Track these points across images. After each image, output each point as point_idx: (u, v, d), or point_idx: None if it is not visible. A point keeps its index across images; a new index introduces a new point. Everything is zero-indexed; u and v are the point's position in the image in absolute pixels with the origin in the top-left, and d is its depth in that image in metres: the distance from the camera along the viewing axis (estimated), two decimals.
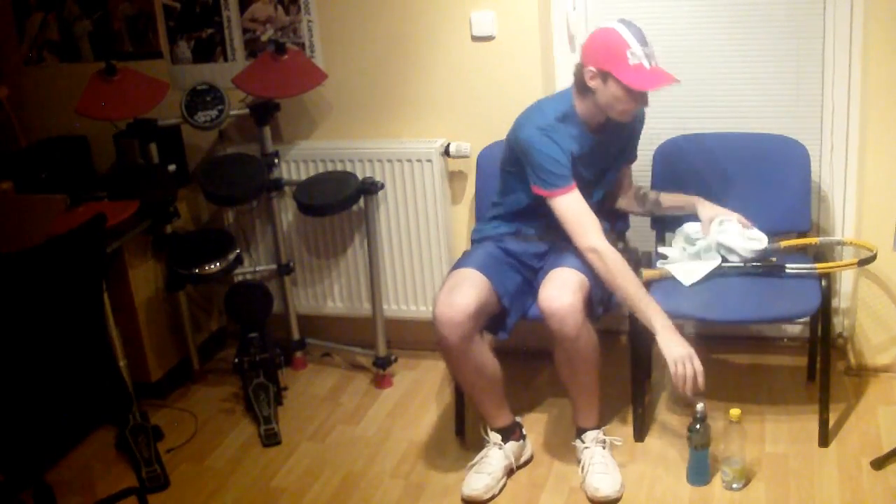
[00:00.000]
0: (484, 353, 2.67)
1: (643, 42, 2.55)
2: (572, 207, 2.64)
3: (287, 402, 3.33)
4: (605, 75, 2.56)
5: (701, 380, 2.52)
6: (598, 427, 2.77)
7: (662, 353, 2.55)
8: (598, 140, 2.74)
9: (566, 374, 2.69)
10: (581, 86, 2.65)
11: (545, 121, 2.67)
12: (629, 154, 2.94)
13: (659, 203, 2.98)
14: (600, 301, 2.69)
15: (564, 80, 3.17)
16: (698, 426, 2.60)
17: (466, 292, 2.61)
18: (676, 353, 2.54)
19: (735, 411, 2.59)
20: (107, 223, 2.45)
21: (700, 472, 2.65)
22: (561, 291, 2.55)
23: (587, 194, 2.70)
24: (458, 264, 2.77)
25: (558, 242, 2.78)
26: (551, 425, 3.04)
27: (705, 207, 2.90)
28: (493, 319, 2.72)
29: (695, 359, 2.53)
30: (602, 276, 2.62)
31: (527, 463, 2.85)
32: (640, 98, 2.59)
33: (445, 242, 3.36)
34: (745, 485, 2.62)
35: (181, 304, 3.41)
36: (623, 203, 3.03)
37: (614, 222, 3.04)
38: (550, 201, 2.65)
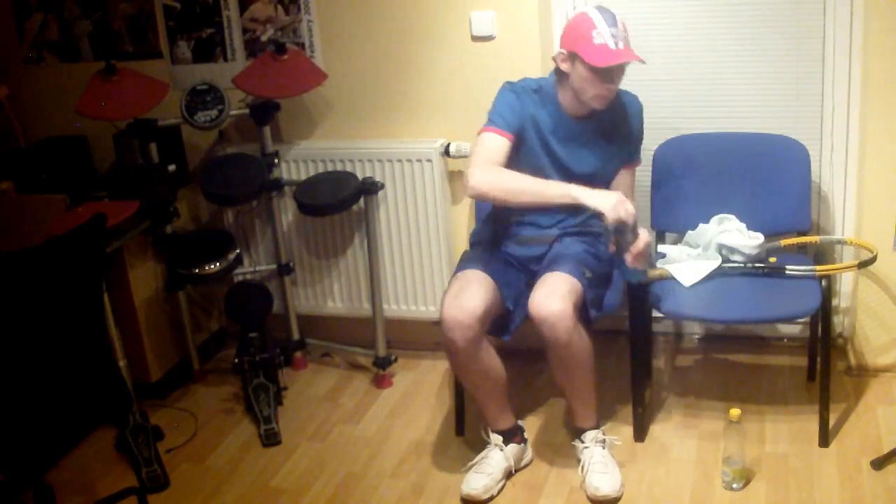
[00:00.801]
0: (490, 356, 2.67)
1: (612, 24, 2.55)
2: (485, 144, 2.64)
3: (287, 402, 3.33)
4: (572, 56, 2.60)
5: (634, 215, 2.51)
6: (596, 427, 2.77)
7: (596, 210, 2.51)
8: (580, 126, 2.73)
9: (561, 377, 2.70)
10: (558, 71, 2.68)
11: (520, 84, 2.73)
12: (628, 154, 2.86)
13: None
14: (593, 303, 2.68)
15: None
16: (611, 229, 2.53)
17: (474, 294, 2.60)
18: (611, 200, 2.50)
19: (735, 411, 2.59)
20: (107, 223, 2.45)
21: (631, 269, 2.61)
22: (551, 297, 2.54)
23: (576, 180, 2.69)
24: (463, 266, 2.76)
25: (555, 244, 2.79)
26: (551, 425, 3.04)
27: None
28: (495, 321, 2.72)
29: (626, 202, 2.50)
30: (502, 203, 2.67)
31: (526, 467, 2.85)
32: (604, 77, 2.56)
33: (445, 242, 3.36)
34: (745, 485, 2.62)
35: (181, 304, 3.41)
36: None
37: None
38: (478, 136, 2.67)
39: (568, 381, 2.70)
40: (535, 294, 2.58)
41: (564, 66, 2.63)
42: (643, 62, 2.57)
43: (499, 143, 2.63)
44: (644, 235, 2.55)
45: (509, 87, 2.72)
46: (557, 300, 2.53)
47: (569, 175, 2.70)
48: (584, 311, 2.63)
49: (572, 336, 2.55)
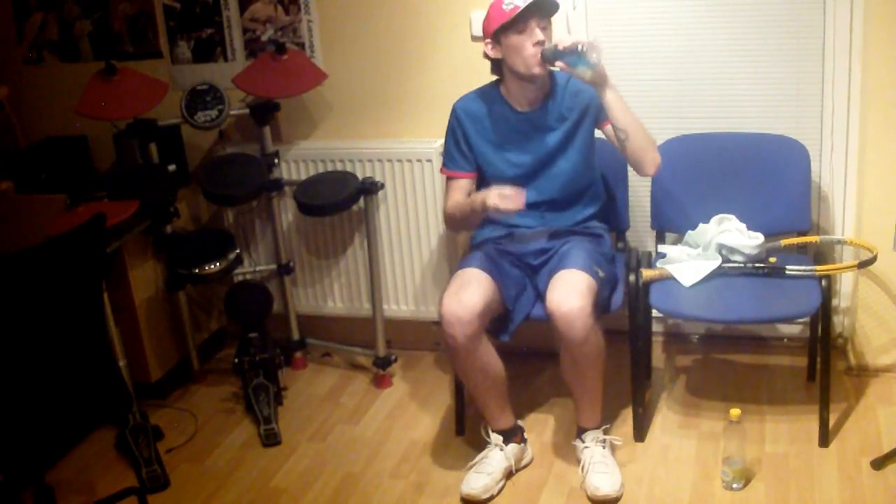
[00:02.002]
0: (490, 354, 2.68)
1: None
2: (448, 189, 2.85)
3: (287, 402, 3.33)
4: (496, 37, 2.66)
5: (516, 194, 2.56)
6: (598, 427, 2.77)
7: (486, 205, 2.59)
8: (531, 117, 2.77)
9: (571, 374, 2.70)
10: (494, 69, 2.75)
11: (469, 97, 2.83)
12: (596, 118, 2.79)
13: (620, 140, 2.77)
14: (604, 302, 2.70)
15: None
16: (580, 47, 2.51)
17: (474, 291, 2.61)
18: (490, 192, 2.59)
19: (735, 411, 2.59)
20: (107, 223, 2.45)
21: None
22: (570, 294, 2.55)
23: (545, 171, 2.78)
24: (463, 265, 2.77)
25: (557, 238, 2.79)
26: (551, 425, 3.04)
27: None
28: (495, 321, 2.72)
29: (504, 188, 2.57)
30: (470, 230, 2.91)
31: (526, 467, 2.85)
32: (524, 30, 2.60)
33: (445, 242, 3.36)
34: (745, 485, 2.62)
35: (181, 304, 3.41)
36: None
37: (610, 217, 3.03)
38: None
39: (577, 378, 2.70)
40: (553, 290, 2.59)
41: (495, 53, 2.69)
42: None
43: (456, 185, 2.83)
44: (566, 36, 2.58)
45: (452, 118, 2.83)
46: (576, 297, 2.54)
47: (529, 167, 2.79)
48: (597, 309, 2.63)
49: (588, 334, 2.55)
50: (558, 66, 2.57)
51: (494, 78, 2.81)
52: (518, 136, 2.78)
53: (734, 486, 2.62)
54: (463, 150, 2.81)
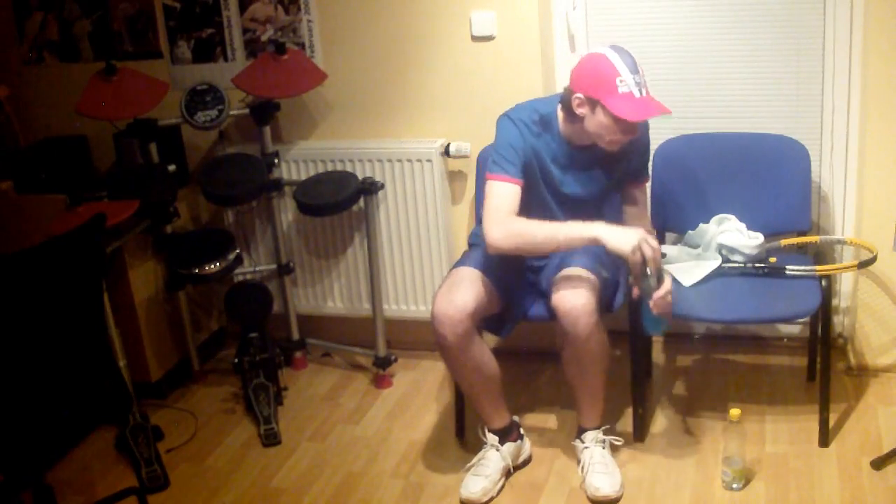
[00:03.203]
0: (483, 353, 2.67)
1: (634, 70, 2.46)
2: (498, 195, 2.56)
3: (287, 402, 3.33)
4: (593, 103, 2.49)
5: (658, 256, 2.43)
6: (598, 427, 2.77)
7: (616, 252, 2.45)
8: (580, 153, 2.65)
9: (573, 373, 2.69)
10: (569, 110, 2.56)
11: (519, 115, 2.63)
12: (635, 174, 2.76)
13: None
14: (607, 302, 2.70)
15: (564, 80, 3.16)
16: (648, 271, 2.47)
17: (466, 291, 2.60)
18: (631, 240, 2.43)
19: (735, 411, 2.59)
20: (107, 223, 2.45)
21: (652, 317, 2.55)
22: (575, 292, 2.54)
23: (574, 208, 2.66)
24: (458, 263, 2.77)
25: None
26: (551, 425, 3.04)
27: None
28: (493, 319, 2.72)
29: (649, 238, 2.43)
30: (528, 254, 2.64)
31: (525, 463, 2.85)
32: (628, 128, 2.48)
33: (445, 242, 3.36)
34: (745, 485, 2.62)
35: (181, 304, 3.41)
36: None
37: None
38: (486, 183, 2.58)
39: (580, 377, 2.69)
40: (559, 287, 2.58)
41: (582, 111, 2.52)
42: (670, 113, 2.49)
43: (509, 191, 2.56)
44: (668, 282, 2.48)
45: (510, 124, 2.62)
46: (582, 294, 2.53)
47: (561, 197, 2.68)
48: (601, 307, 2.62)
49: (592, 332, 2.55)
50: (634, 290, 2.49)
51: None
52: (563, 165, 2.67)
53: (734, 486, 2.62)
54: (521, 153, 2.59)
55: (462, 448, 2.95)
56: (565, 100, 2.58)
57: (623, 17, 3.14)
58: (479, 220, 3.01)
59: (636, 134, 2.54)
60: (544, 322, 2.70)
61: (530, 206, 2.61)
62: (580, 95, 2.51)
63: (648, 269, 2.44)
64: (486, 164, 2.62)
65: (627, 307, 2.85)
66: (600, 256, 2.73)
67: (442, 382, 3.37)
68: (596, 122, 2.51)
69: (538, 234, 2.53)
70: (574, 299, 2.53)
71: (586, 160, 2.68)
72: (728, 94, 3.13)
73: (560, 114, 2.62)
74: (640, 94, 2.46)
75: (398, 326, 3.52)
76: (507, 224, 2.53)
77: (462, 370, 2.69)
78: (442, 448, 2.98)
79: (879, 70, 2.87)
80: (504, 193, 2.56)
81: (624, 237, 2.46)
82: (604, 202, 2.76)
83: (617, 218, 2.73)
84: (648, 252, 2.43)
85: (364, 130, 3.42)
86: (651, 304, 2.48)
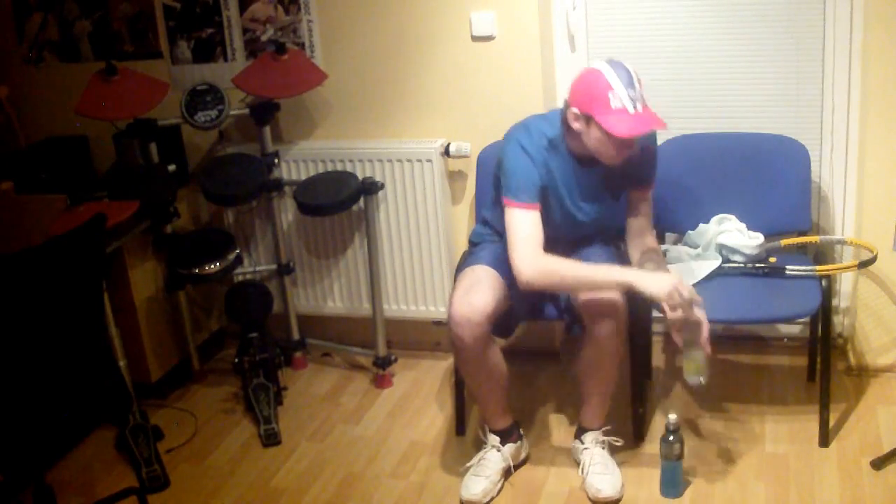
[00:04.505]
0: (496, 355, 2.66)
1: (629, 84, 2.41)
2: (521, 224, 2.52)
3: (287, 402, 3.33)
4: (587, 118, 2.45)
5: (696, 298, 2.38)
6: (600, 428, 2.77)
7: (652, 298, 2.41)
8: (590, 172, 2.62)
9: (588, 372, 2.69)
10: (568, 124, 2.54)
11: (530, 141, 2.57)
12: (639, 181, 2.71)
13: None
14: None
15: (565, 80, 3.17)
16: (671, 437, 2.57)
17: (484, 292, 2.58)
18: (665, 287, 2.38)
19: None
20: (107, 223, 2.45)
21: (672, 483, 2.62)
22: (604, 293, 2.52)
23: (582, 228, 2.67)
24: (471, 261, 2.74)
25: (583, 248, 2.76)
26: (551, 425, 3.04)
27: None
28: (497, 319, 2.71)
29: (682, 285, 2.38)
30: (566, 291, 2.61)
31: (524, 463, 2.85)
32: (622, 143, 2.44)
33: (445, 242, 3.36)
34: (706, 379, 2.46)
35: (181, 304, 3.41)
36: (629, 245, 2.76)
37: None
38: (507, 209, 2.54)
39: (594, 376, 2.69)
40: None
41: (577, 126, 2.49)
42: (665, 127, 2.46)
43: (532, 219, 2.53)
44: (705, 320, 2.41)
45: (520, 150, 2.56)
46: (611, 296, 2.52)
47: (574, 221, 2.66)
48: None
49: (619, 333, 2.55)
50: (675, 338, 2.42)
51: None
52: (573, 185, 2.65)
53: (699, 379, 2.45)
54: (536, 178, 2.56)
55: (462, 448, 2.95)
56: (563, 114, 2.56)
57: (623, 17, 3.14)
58: (479, 220, 3.02)
59: (634, 149, 2.51)
60: (545, 322, 2.70)
61: (544, 227, 2.56)
62: (575, 110, 2.48)
63: (687, 318, 2.37)
64: (504, 189, 2.57)
65: (627, 307, 2.84)
66: (618, 257, 2.72)
67: (442, 382, 3.37)
68: (592, 137, 2.47)
69: (570, 276, 2.50)
70: (604, 301, 2.52)
71: (595, 182, 2.64)
72: (728, 94, 3.13)
73: (564, 129, 2.58)
74: (635, 108, 2.41)
75: (398, 326, 3.52)
76: (540, 263, 2.49)
77: (475, 372, 2.68)
78: (442, 448, 2.98)
79: (879, 70, 2.87)
80: (528, 222, 2.52)
81: (658, 283, 2.41)
82: (612, 223, 2.75)
83: (612, 219, 2.73)
84: (685, 296, 2.38)
85: (364, 130, 3.42)
86: (702, 345, 2.41)
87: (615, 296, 2.52)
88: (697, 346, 2.42)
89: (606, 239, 2.81)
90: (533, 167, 2.55)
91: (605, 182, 2.66)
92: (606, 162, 2.53)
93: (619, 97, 2.41)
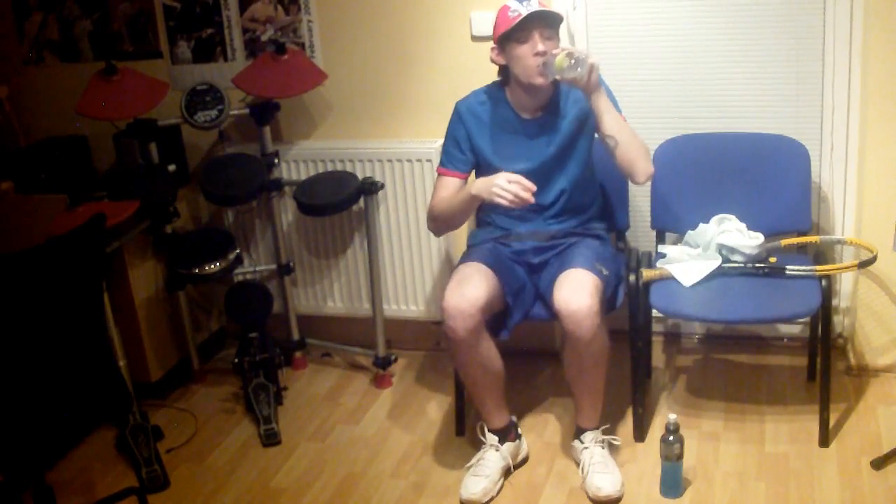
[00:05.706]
0: (490, 350, 2.68)
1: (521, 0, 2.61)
2: (438, 186, 2.81)
3: (287, 402, 3.33)
4: (500, 43, 2.67)
5: (525, 185, 2.51)
6: (597, 427, 2.77)
7: (485, 199, 2.55)
8: (534, 124, 2.75)
9: (574, 373, 2.70)
10: (501, 73, 2.75)
11: (473, 98, 2.81)
12: (594, 125, 2.73)
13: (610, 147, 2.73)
14: (610, 299, 2.71)
15: None
16: (671, 437, 2.57)
17: (477, 285, 2.61)
18: (491, 184, 2.52)
19: None
20: (107, 223, 2.45)
21: (672, 483, 2.63)
22: (579, 293, 2.54)
23: (545, 180, 2.73)
24: (465, 259, 2.78)
25: (556, 238, 2.79)
26: (551, 425, 3.04)
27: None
28: (493, 319, 2.72)
29: (508, 175, 2.52)
30: (454, 228, 2.86)
31: (523, 461, 2.85)
32: (526, 40, 2.60)
33: (445, 242, 3.36)
34: (583, 68, 2.53)
35: (181, 304, 3.41)
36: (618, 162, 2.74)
37: (610, 217, 3.04)
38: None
39: (580, 378, 2.70)
40: (561, 289, 2.58)
41: (499, 59, 2.70)
42: (547, 8, 2.60)
43: (448, 184, 2.79)
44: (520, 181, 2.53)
45: (457, 113, 2.81)
46: (586, 296, 2.54)
47: (530, 174, 2.66)
48: (603, 308, 2.62)
49: (596, 333, 2.55)
50: (557, 76, 2.58)
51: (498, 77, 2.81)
52: (521, 142, 2.77)
53: (578, 70, 2.53)
54: (463, 150, 2.80)
55: (462, 448, 2.95)
56: (493, 62, 2.73)
57: (623, 17, 3.14)
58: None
59: (542, 46, 2.60)
60: (544, 322, 2.70)
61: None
62: (493, 45, 2.70)
63: (572, 60, 2.52)
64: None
65: (628, 307, 2.85)
66: (600, 255, 2.73)
67: (442, 382, 3.37)
68: (512, 59, 2.65)
69: (445, 211, 2.76)
70: (578, 301, 2.53)
71: (537, 129, 2.77)
72: (728, 94, 3.13)
73: (505, 87, 2.77)
74: (527, 7, 2.59)
75: (398, 326, 3.52)
76: (431, 213, 2.81)
77: (469, 366, 2.69)
78: (442, 448, 2.98)
79: (879, 70, 2.87)
80: (442, 185, 2.80)
81: (486, 184, 2.56)
82: (554, 173, 2.79)
83: (574, 184, 2.81)
84: (511, 187, 2.49)
85: (364, 130, 3.42)
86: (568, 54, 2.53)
87: (587, 297, 2.53)
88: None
89: (586, 231, 2.85)
90: (464, 133, 2.78)
91: (546, 134, 2.76)
92: (533, 81, 2.64)
93: (513, 8, 2.61)
